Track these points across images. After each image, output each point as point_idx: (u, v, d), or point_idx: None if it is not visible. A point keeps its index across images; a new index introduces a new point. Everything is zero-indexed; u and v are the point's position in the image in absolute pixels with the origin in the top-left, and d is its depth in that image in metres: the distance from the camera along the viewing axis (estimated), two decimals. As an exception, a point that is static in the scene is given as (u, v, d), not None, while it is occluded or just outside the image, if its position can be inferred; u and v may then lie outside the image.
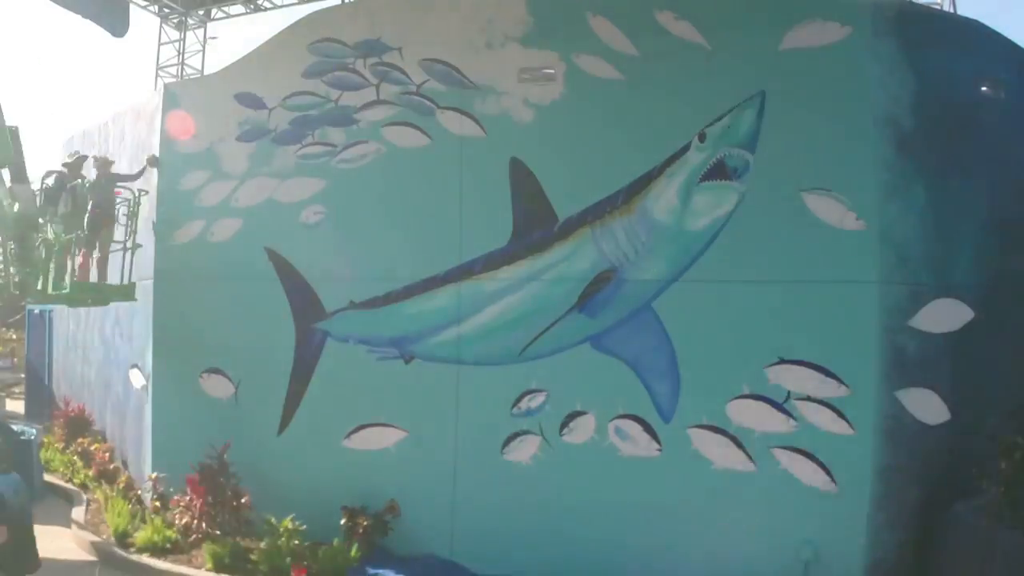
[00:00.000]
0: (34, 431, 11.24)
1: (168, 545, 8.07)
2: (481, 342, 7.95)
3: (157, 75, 15.53)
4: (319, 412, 8.41)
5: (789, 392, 7.14)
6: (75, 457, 11.16)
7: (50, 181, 9.42)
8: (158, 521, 8.36)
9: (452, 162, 8.07)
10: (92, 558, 8.26)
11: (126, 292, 9.07)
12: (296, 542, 7.68)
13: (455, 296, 7.99)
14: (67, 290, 8.82)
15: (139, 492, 9.17)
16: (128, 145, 10.50)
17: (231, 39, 35.27)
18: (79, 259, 8.88)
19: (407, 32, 8.35)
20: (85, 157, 9.73)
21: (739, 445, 7.20)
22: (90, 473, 10.53)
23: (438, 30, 8.28)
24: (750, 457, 7.18)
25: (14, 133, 9.61)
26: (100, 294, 9.23)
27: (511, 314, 7.86)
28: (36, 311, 16.55)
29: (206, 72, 14.42)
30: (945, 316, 7.14)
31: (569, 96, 7.81)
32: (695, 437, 7.34)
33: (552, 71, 7.86)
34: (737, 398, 7.25)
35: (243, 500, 8.12)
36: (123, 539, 8.27)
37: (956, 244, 7.30)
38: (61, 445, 11.77)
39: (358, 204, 8.21)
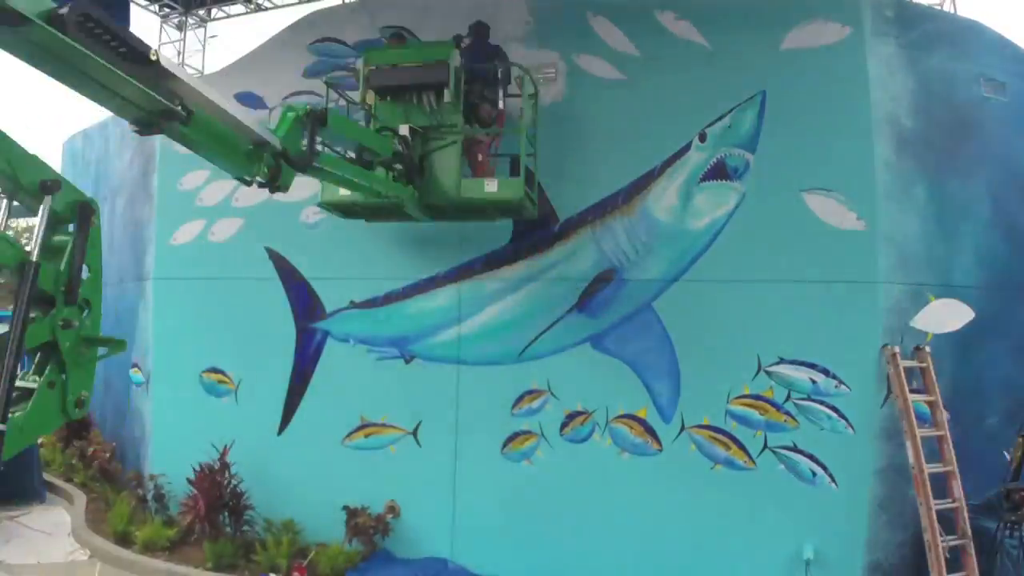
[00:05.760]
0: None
1: (168, 544, 8.07)
2: (481, 342, 7.94)
3: (157, 75, 15.50)
4: (319, 412, 8.40)
5: (789, 392, 7.15)
6: (74, 458, 11.13)
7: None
8: (158, 521, 8.37)
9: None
10: (93, 558, 8.27)
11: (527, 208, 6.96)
12: (296, 542, 7.69)
13: (455, 296, 7.99)
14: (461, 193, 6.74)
15: (139, 492, 9.16)
16: (129, 144, 10.49)
17: (231, 39, 35.27)
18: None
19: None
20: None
21: (739, 445, 7.22)
22: (90, 473, 10.52)
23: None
24: (750, 457, 7.19)
25: None
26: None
27: (511, 314, 7.85)
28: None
29: (206, 72, 14.40)
30: (945, 316, 7.15)
31: (569, 96, 7.82)
32: (695, 437, 7.35)
33: (552, 71, 7.86)
34: (737, 398, 7.26)
35: (243, 500, 8.14)
36: (124, 538, 8.27)
37: (956, 244, 7.30)
38: (61, 445, 11.74)
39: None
